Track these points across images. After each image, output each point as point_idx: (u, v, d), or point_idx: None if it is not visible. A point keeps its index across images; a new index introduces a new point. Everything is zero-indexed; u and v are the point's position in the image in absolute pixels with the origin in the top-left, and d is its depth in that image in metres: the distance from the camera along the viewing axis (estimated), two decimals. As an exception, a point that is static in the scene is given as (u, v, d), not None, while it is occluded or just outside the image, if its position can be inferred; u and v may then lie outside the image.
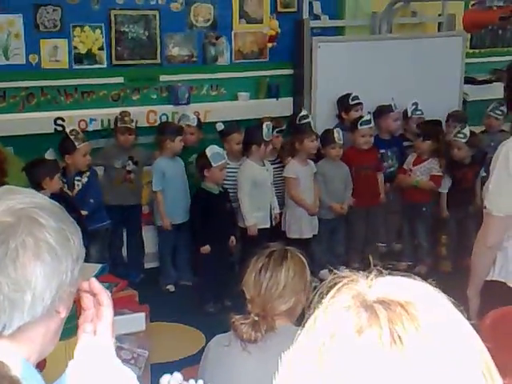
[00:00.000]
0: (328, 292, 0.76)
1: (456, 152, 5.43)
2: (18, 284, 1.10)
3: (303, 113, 5.52)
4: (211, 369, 2.22)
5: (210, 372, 2.20)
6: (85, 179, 4.89)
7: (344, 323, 0.71)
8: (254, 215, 5.07)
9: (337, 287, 0.76)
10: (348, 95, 5.69)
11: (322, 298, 0.76)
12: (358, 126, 5.41)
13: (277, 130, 5.47)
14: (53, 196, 4.39)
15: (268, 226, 5.14)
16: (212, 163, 4.81)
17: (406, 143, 5.92)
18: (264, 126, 5.08)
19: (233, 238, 5.01)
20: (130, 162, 5.24)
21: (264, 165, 5.18)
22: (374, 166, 5.59)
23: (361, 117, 5.56)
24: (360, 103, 5.70)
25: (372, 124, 5.48)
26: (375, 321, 0.70)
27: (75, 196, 4.84)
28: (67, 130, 4.93)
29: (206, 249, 4.84)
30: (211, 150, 4.85)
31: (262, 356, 2.09)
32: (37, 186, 4.44)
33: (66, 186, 4.84)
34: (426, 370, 0.68)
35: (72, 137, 4.80)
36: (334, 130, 5.32)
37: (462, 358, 0.70)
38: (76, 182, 4.87)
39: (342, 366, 0.69)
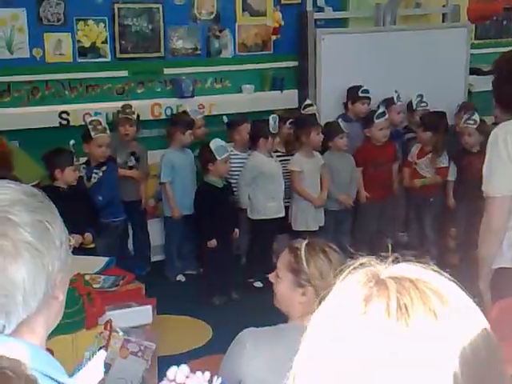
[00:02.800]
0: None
1: (467, 138, 5.41)
2: (5, 288, 1.10)
3: (308, 102, 5.51)
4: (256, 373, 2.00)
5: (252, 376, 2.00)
6: (100, 173, 4.86)
7: (353, 294, 0.74)
8: (268, 205, 5.09)
9: (353, 266, 0.78)
10: (359, 87, 5.67)
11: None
12: (375, 119, 5.39)
13: (290, 121, 5.45)
14: (69, 187, 4.39)
15: (282, 215, 5.14)
16: (217, 157, 4.81)
17: (410, 135, 5.91)
18: (270, 118, 5.08)
19: (236, 230, 5.01)
20: (132, 157, 5.23)
21: (272, 157, 5.18)
22: (392, 160, 5.57)
23: (372, 111, 5.54)
24: (368, 97, 5.68)
25: (387, 116, 5.45)
26: (384, 291, 0.72)
27: (91, 187, 4.80)
28: (87, 120, 4.91)
29: (213, 243, 4.85)
30: (215, 144, 4.85)
31: None
32: (51, 175, 4.45)
33: (85, 176, 4.83)
34: (429, 341, 0.69)
35: (91, 126, 4.73)
36: (340, 121, 5.32)
37: (467, 334, 0.71)
38: (93, 175, 4.86)
39: (351, 335, 0.71)
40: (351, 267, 0.78)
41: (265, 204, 5.10)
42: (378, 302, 0.71)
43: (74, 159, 4.52)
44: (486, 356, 0.72)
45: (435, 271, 0.77)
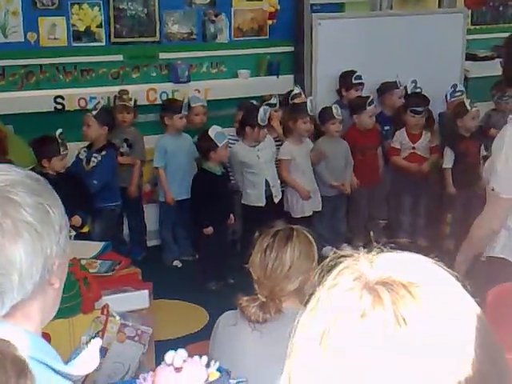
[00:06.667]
0: (329, 271, 0.75)
1: (474, 121, 5.41)
2: (2, 267, 1.10)
3: (296, 91, 5.49)
4: (219, 347, 2.22)
5: (218, 350, 2.21)
6: (99, 158, 4.87)
7: (347, 307, 0.71)
8: (249, 192, 5.10)
9: (338, 269, 0.75)
10: (352, 73, 5.65)
11: (323, 277, 0.75)
12: (367, 106, 5.38)
13: (265, 103, 5.42)
14: (57, 174, 4.39)
15: (263, 204, 5.11)
16: (218, 144, 4.80)
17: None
18: (261, 109, 5.00)
19: (232, 216, 5.01)
20: (124, 144, 5.21)
21: (255, 146, 5.11)
22: (377, 144, 5.59)
23: (360, 97, 5.54)
24: (362, 83, 5.68)
25: (374, 103, 5.50)
26: (379, 304, 0.69)
27: (88, 171, 4.83)
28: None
29: (210, 230, 4.85)
30: (214, 131, 4.84)
31: (270, 337, 2.09)
32: (39, 163, 4.45)
33: (85, 159, 4.85)
34: (430, 350, 0.67)
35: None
36: (333, 107, 5.31)
37: (467, 339, 0.70)
38: (93, 159, 4.85)
39: (346, 351, 0.69)
40: (337, 268, 0.75)
41: (245, 190, 5.13)
42: (374, 315, 0.69)
43: (61, 148, 4.50)
44: (488, 350, 0.71)
45: (421, 261, 0.75)
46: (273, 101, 5.48)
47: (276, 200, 5.17)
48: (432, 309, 0.69)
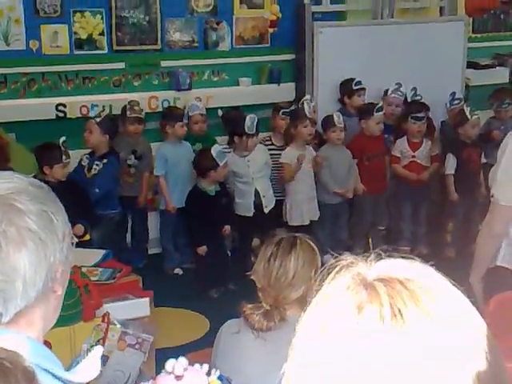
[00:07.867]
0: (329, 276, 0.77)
1: (474, 129, 5.43)
2: (6, 274, 1.11)
3: (307, 97, 5.49)
4: (222, 355, 2.22)
5: (220, 358, 2.21)
6: (100, 166, 4.87)
7: (344, 301, 0.72)
8: (238, 201, 5.12)
9: (336, 269, 0.76)
10: (351, 80, 5.67)
11: (324, 282, 0.77)
12: (374, 112, 5.38)
13: (282, 110, 5.42)
14: (59, 183, 4.39)
15: (250, 215, 5.10)
16: (219, 163, 4.79)
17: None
18: (247, 118, 4.97)
19: (227, 227, 4.99)
20: (132, 156, 5.21)
21: (245, 156, 5.10)
22: (384, 151, 5.59)
23: (370, 103, 5.54)
24: (363, 88, 5.69)
25: (384, 110, 5.49)
26: (375, 297, 0.71)
27: (90, 178, 4.84)
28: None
29: (203, 249, 4.87)
30: (215, 150, 4.83)
31: (273, 345, 2.09)
32: (40, 170, 4.46)
33: (87, 166, 4.87)
34: (426, 344, 0.68)
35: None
36: (334, 114, 5.30)
37: (463, 333, 0.71)
38: (94, 166, 4.86)
39: (344, 344, 0.69)
40: (335, 269, 0.76)
41: (236, 200, 5.14)
42: (371, 308, 0.70)
43: (64, 156, 4.51)
44: (483, 348, 0.71)
45: (419, 264, 0.76)
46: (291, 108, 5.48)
47: (266, 210, 5.15)
48: (428, 303, 0.71)
